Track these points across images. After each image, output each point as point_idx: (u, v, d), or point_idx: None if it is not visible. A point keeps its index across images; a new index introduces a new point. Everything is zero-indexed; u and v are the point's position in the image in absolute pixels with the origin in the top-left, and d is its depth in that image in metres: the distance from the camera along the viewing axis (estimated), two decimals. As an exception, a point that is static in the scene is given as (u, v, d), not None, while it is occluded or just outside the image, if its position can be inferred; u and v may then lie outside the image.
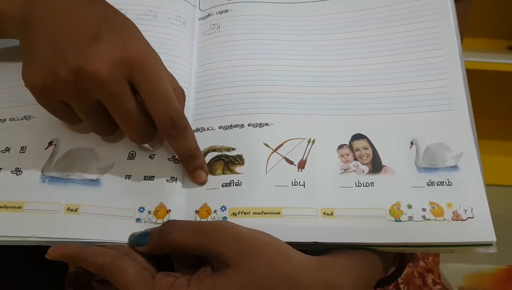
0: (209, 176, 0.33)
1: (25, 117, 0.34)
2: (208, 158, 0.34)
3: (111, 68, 0.28)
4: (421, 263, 0.56)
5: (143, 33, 0.31)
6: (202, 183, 0.33)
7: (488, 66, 1.17)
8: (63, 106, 0.30)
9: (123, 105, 0.29)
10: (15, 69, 0.36)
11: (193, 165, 0.32)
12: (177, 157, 0.33)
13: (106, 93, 0.28)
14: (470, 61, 1.12)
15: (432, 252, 0.52)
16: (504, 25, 1.35)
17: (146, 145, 0.34)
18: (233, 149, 0.33)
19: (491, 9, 1.32)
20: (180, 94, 0.33)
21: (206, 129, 0.35)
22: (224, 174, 0.33)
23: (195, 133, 0.35)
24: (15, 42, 0.38)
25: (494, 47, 1.35)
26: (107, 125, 0.32)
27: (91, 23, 0.29)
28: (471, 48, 1.22)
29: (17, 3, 0.31)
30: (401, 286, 0.53)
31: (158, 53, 0.32)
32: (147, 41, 0.31)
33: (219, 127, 0.34)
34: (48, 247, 0.29)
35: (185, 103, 0.35)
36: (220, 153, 0.33)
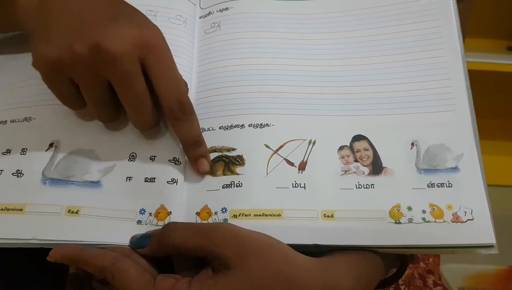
0: (210, 177, 0.33)
1: (25, 119, 0.34)
2: None
3: (126, 47, 0.28)
4: (422, 264, 0.55)
5: None
6: (204, 172, 0.33)
7: (488, 67, 1.17)
8: (71, 87, 0.30)
9: (133, 86, 0.29)
10: (16, 71, 0.37)
11: (196, 152, 0.32)
12: (179, 156, 0.33)
13: (119, 71, 0.29)
14: (470, 61, 1.12)
15: (432, 254, 0.52)
16: (503, 25, 1.35)
17: (147, 147, 0.33)
18: (234, 149, 0.33)
19: (490, 10, 1.32)
20: (184, 86, 0.34)
21: (207, 129, 0.35)
22: (224, 175, 0.33)
23: None
24: (14, 43, 0.38)
25: (494, 47, 1.35)
26: (110, 110, 0.32)
27: (109, 6, 0.30)
28: (471, 49, 1.22)
29: None
30: (402, 287, 0.53)
31: None
32: (159, 29, 0.31)
33: (220, 127, 0.34)
34: (49, 248, 0.29)
35: None
36: (220, 153, 0.33)
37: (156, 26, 0.31)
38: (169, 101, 0.30)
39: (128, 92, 0.30)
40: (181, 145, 0.33)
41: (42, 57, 0.29)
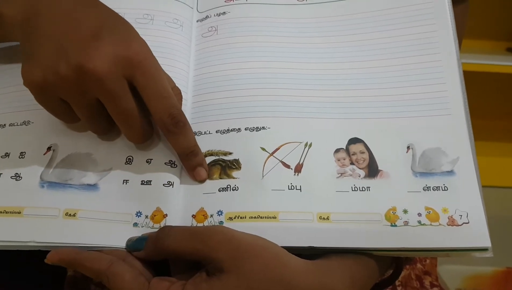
0: (206, 180, 0.33)
1: (24, 123, 0.34)
2: None
3: (110, 66, 0.28)
4: (419, 265, 0.56)
5: (144, 36, 0.31)
6: (202, 180, 0.33)
7: (487, 68, 1.17)
8: (62, 104, 0.30)
9: (122, 104, 0.29)
10: (15, 74, 0.37)
11: (193, 162, 0.33)
12: (175, 159, 0.33)
13: (105, 91, 0.29)
14: (469, 63, 1.12)
15: (428, 256, 0.52)
16: (503, 26, 1.35)
17: (143, 150, 0.34)
18: (230, 153, 0.34)
19: (490, 11, 1.32)
20: (178, 94, 0.34)
21: (203, 133, 0.35)
22: (221, 178, 0.33)
23: None
24: (13, 48, 0.38)
25: (493, 48, 1.35)
26: (104, 124, 0.32)
27: (92, 23, 0.30)
28: (470, 50, 1.22)
29: (17, 6, 0.31)
30: (399, 288, 0.53)
31: (155, 57, 0.32)
32: (145, 42, 0.31)
33: (216, 131, 0.35)
34: (47, 251, 0.29)
35: (183, 106, 0.36)
36: (217, 157, 0.34)
37: (141, 38, 0.31)
38: (160, 115, 0.30)
39: (117, 109, 0.30)
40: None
41: (28, 78, 0.29)
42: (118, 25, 0.31)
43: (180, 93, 0.34)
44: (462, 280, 0.96)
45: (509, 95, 1.40)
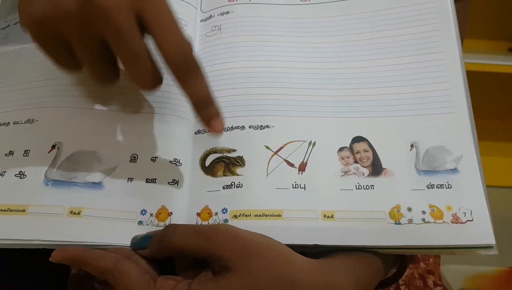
0: (210, 178, 0.33)
1: (28, 121, 0.34)
2: (209, 160, 0.34)
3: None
4: (422, 264, 0.56)
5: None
6: (219, 132, 0.31)
7: (489, 68, 1.17)
8: (62, 45, 0.28)
9: (128, 39, 0.26)
10: (18, 72, 0.37)
11: (208, 111, 0.30)
12: (180, 157, 0.33)
13: (111, 24, 0.26)
14: (471, 62, 1.13)
15: (432, 254, 0.52)
16: (504, 26, 1.35)
17: (148, 148, 0.34)
18: (234, 150, 0.34)
19: (491, 11, 1.32)
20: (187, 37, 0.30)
21: (207, 131, 0.35)
22: (225, 176, 0.33)
23: (195, 135, 0.35)
24: (17, 47, 0.39)
25: (495, 48, 1.35)
26: (108, 70, 0.29)
27: None
28: (472, 50, 1.22)
29: None
30: (402, 287, 0.53)
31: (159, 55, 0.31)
32: None
33: None
34: (51, 249, 0.29)
35: (188, 105, 0.36)
36: (221, 154, 0.34)
37: None
38: (171, 53, 0.27)
39: (123, 47, 0.27)
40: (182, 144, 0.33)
41: (27, 14, 0.27)
42: None
43: (189, 37, 0.29)
44: (465, 280, 0.96)
45: (511, 95, 1.40)
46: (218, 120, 0.30)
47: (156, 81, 0.29)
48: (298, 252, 0.29)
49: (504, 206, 1.25)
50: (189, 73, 0.28)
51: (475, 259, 1.01)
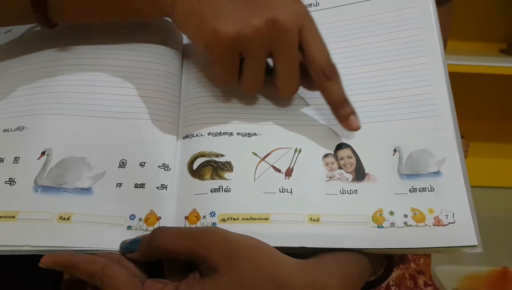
0: (198, 181, 0.33)
1: (18, 128, 0.34)
2: (196, 163, 0.34)
3: (292, 18, 0.31)
4: (412, 265, 0.56)
5: (138, 43, 0.34)
6: (357, 129, 0.34)
7: (481, 70, 1.18)
8: (237, 61, 0.33)
9: (294, 53, 0.32)
10: (8, 81, 0.37)
11: (347, 110, 0.34)
12: (168, 162, 0.34)
13: (287, 41, 0.31)
14: (462, 64, 1.13)
15: (418, 253, 0.53)
16: (496, 28, 1.36)
17: (137, 153, 0.34)
18: (222, 155, 0.34)
19: (483, 12, 1.33)
20: None
21: (195, 135, 0.35)
22: (212, 179, 0.33)
23: (183, 140, 0.35)
24: (8, 54, 0.39)
25: (487, 50, 1.36)
26: (261, 81, 0.34)
27: None
28: (464, 52, 1.23)
29: None
30: (393, 288, 0.53)
31: (148, 62, 0.35)
32: None
33: (208, 134, 0.35)
34: (42, 255, 0.29)
35: (176, 109, 0.37)
36: (209, 158, 0.34)
37: None
38: (320, 62, 0.32)
39: (289, 59, 0.32)
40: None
41: (223, 34, 0.30)
42: None
43: None
44: (459, 280, 0.96)
45: (503, 96, 1.41)
46: (355, 118, 0.34)
47: (297, 88, 0.35)
48: (286, 254, 0.29)
49: (497, 207, 1.26)
50: (332, 78, 0.33)
51: (468, 259, 1.02)
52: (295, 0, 0.33)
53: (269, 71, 0.34)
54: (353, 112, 0.34)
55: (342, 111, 0.34)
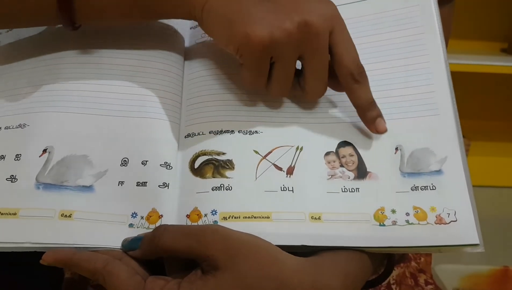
0: (199, 179, 0.34)
1: (20, 126, 0.35)
2: (198, 162, 0.34)
3: (324, 21, 0.31)
4: (413, 263, 0.56)
5: (140, 42, 0.34)
6: (383, 131, 0.34)
7: (482, 69, 1.18)
8: (268, 65, 0.32)
9: (325, 56, 0.32)
10: (11, 78, 0.37)
11: (374, 113, 0.34)
12: (170, 161, 0.34)
13: (319, 43, 0.31)
14: (463, 63, 1.13)
15: (420, 252, 0.53)
16: (497, 27, 1.36)
17: (139, 151, 0.34)
18: (224, 153, 0.34)
19: (484, 12, 1.33)
20: None
21: (197, 134, 0.35)
22: (214, 177, 0.33)
23: (185, 139, 0.36)
24: (10, 53, 0.39)
25: (488, 49, 1.36)
26: (289, 85, 0.33)
27: None
28: (465, 51, 1.23)
29: None
30: (393, 286, 0.53)
31: (150, 61, 0.35)
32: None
33: (210, 132, 0.35)
34: (43, 252, 0.29)
35: (177, 108, 0.37)
36: (210, 157, 0.34)
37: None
38: (350, 66, 0.32)
39: (320, 62, 0.32)
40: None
41: (255, 39, 0.30)
42: None
43: None
44: (460, 279, 0.96)
45: (504, 95, 1.41)
46: (381, 121, 0.34)
47: (324, 91, 0.34)
48: (287, 252, 0.29)
49: (499, 206, 1.26)
50: (361, 81, 0.33)
51: (469, 258, 1.02)
52: (325, 1, 0.32)
53: (296, 74, 0.33)
54: (380, 115, 0.34)
55: (369, 114, 0.34)
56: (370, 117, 0.34)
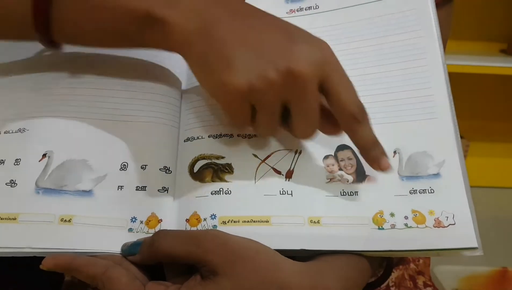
0: (198, 183, 0.34)
1: (19, 130, 0.35)
2: (197, 166, 0.34)
3: (312, 68, 0.29)
4: (412, 265, 0.56)
5: (140, 51, 0.32)
6: (388, 170, 0.32)
7: (481, 70, 1.18)
8: (248, 110, 0.30)
9: (313, 102, 0.30)
10: (11, 83, 0.37)
11: (377, 152, 0.32)
12: (169, 165, 0.34)
13: (305, 92, 0.29)
14: (462, 64, 1.13)
15: (418, 256, 0.53)
16: (497, 28, 1.36)
17: (138, 156, 0.34)
18: (223, 157, 0.34)
19: (483, 12, 1.33)
20: None
21: (196, 138, 0.35)
22: (213, 181, 0.33)
23: (184, 143, 0.36)
24: (9, 58, 0.39)
25: (487, 50, 1.36)
26: (275, 127, 0.32)
27: (278, 28, 0.30)
28: (464, 51, 1.23)
29: (189, 14, 0.30)
30: (392, 288, 0.53)
31: (149, 65, 0.34)
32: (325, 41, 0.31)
33: (209, 136, 0.35)
34: (43, 257, 0.29)
35: (177, 114, 0.37)
36: (209, 161, 0.34)
37: (319, 38, 0.31)
38: (350, 107, 0.30)
39: (307, 110, 0.30)
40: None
41: (231, 87, 0.28)
42: (299, 29, 0.31)
43: None
44: (458, 280, 0.96)
45: (503, 96, 1.41)
46: (385, 159, 0.32)
47: (315, 133, 0.32)
48: (286, 256, 0.29)
49: (497, 207, 1.26)
50: (363, 120, 0.31)
51: (467, 260, 1.02)
52: (315, 40, 0.30)
53: (286, 114, 0.32)
54: (383, 152, 0.32)
55: (373, 153, 0.32)
56: (374, 156, 0.32)
